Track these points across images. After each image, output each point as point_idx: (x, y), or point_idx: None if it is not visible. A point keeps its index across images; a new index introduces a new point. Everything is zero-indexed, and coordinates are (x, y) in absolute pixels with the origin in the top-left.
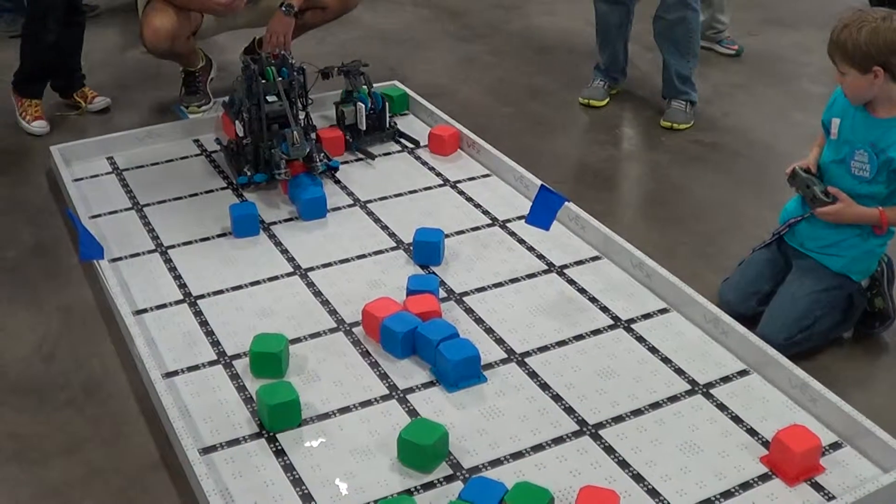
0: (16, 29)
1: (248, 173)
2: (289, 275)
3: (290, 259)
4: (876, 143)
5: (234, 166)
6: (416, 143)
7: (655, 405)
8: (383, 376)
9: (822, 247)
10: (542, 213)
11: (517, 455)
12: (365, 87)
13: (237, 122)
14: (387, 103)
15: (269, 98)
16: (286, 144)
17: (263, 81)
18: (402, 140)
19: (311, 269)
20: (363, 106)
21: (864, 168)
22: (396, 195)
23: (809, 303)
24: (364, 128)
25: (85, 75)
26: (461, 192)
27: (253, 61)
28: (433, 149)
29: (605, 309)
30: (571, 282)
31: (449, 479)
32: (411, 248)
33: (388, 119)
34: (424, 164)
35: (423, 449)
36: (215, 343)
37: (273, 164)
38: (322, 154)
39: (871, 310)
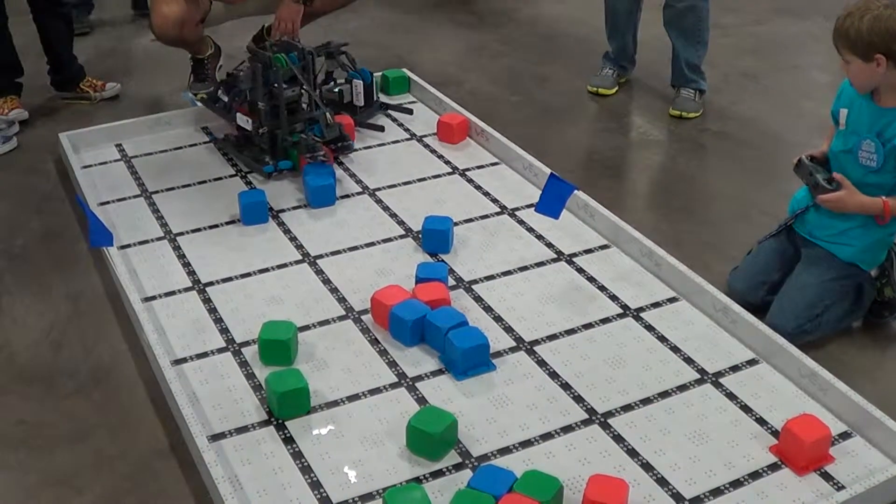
0: (83, 26)
1: (271, 162)
2: (298, 262)
3: (299, 246)
4: (882, 133)
5: (249, 156)
6: (380, 128)
7: (664, 394)
8: (392, 364)
9: (831, 235)
10: (552, 201)
11: (526, 443)
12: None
13: (239, 114)
14: (374, 76)
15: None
16: (318, 127)
17: (277, 68)
18: (392, 112)
19: (320, 256)
20: (360, 83)
21: (871, 158)
22: (405, 183)
23: (819, 291)
24: (362, 104)
25: (83, 66)
26: (470, 181)
27: (262, 49)
28: (442, 137)
29: (614, 297)
30: (581, 270)
31: (458, 467)
32: (420, 235)
33: (376, 94)
34: (433, 151)
35: (431, 437)
36: (224, 330)
37: (307, 148)
38: None
39: (880, 299)
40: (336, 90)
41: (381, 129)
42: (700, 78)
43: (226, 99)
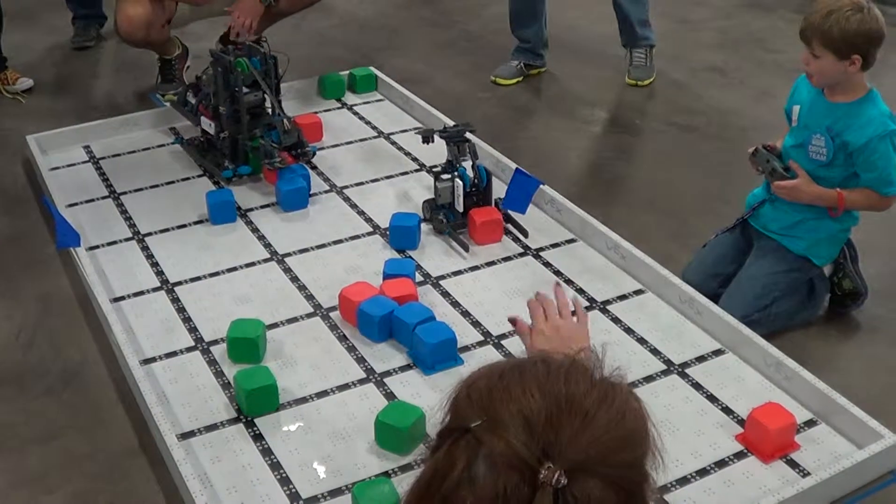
0: (88, 39)
1: (231, 167)
2: (266, 261)
3: (267, 245)
4: (832, 127)
5: (211, 161)
6: (525, 233)
7: (631, 385)
8: (360, 360)
9: (783, 228)
10: (518, 196)
11: None
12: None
13: (203, 117)
14: (491, 178)
15: (244, 89)
16: (276, 133)
17: (239, 72)
18: (510, 226)
19: (288, 254)
20: (461, 184)
21: (821, 152)
22: (373, 180)
23: (768, 283)
24: (462, 209)
25: (7, 58)
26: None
27: (223, 53)
28: None
29: (581, 291)
30: (547, 264)
31: (426, 460)
32: (388, 232)
33: (493, 197)
34: (400, 149)
35: (400, 431)
36: (193, 329)
37: (265, 153)
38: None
39: (840, 291)
40: (442, 186)
41: (525, 234)
42: (650, 32)
43: (193, 101)
